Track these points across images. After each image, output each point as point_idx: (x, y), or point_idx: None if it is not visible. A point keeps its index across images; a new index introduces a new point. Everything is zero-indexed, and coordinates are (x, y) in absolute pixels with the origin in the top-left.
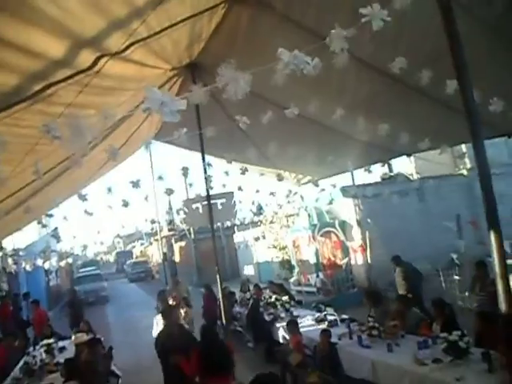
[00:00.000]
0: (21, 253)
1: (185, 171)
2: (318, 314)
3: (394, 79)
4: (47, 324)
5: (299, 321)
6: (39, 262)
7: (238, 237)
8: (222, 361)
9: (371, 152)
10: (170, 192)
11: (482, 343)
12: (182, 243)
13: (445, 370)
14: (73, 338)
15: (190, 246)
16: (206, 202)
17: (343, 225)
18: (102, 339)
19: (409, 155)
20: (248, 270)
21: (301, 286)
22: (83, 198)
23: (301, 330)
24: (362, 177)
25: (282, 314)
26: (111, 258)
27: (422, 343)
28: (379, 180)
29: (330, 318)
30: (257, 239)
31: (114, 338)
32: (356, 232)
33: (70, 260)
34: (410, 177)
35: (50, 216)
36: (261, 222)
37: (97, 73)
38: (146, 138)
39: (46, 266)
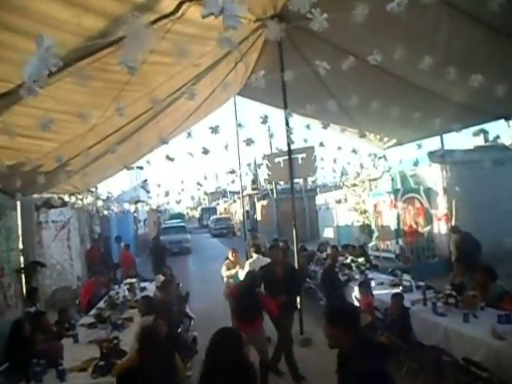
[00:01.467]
0: (113, 199)
1: (264, 119)
2: (393, 278)
3: (492, 29)
4: (133, 266)
5: (373, 284)
6: (129, 207)
7: (320, 199)
8: (249, 309)
9: (464, 114)
10: (249, 142)
11: None
12: (264, 202)
13: None
14: (155, 279)
15: (272, 205)
16: (287, 157)
17: (428, 191)
18: (181, 285)
19: (507, 119)
20: (327, 233)
21: (379, 252)
22: (165, 142)
23: (374, 292)
24: (451, 143)
25: (357, 276)
26: (196, 213)
27: (503, 317)
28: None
29: (405, 283)
30: (338, 202)
31: (193, 285)
32: (441, 200)
33: (158, 212)
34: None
35: (141, 168)
36: (343, 183)
37: (179, 18)
38: (230, 93)
39: (136, 214)
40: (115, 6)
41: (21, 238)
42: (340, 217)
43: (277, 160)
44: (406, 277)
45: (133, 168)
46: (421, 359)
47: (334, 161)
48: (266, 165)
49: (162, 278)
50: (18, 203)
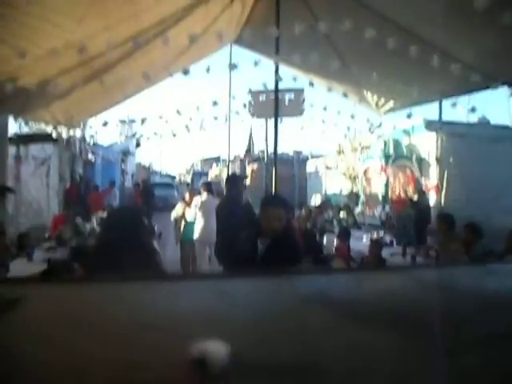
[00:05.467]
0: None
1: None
2: (374, 234)
3: None
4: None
5: (353, 239)
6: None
7: (311, 165)
8: None
9: (468, 77)
10: (232, 67)
11: None
12: (254, 166)
13: None
14: None
15: (262, 170)
16: (273, 96)
17: (421, 160)
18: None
19: (510, 85)
20: (315, 200)
21: (364, 218)
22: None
23: (351, 243)
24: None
25: (336, 230)
26: (189, 179)
27: None
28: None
29: (386, 240)
30: (329, 168)
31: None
32: (433, 170)
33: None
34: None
35: (132, 121)
36: (340, 149)
37: None
38: (225, 35)
39: (123, 166)
40: None
41: None
42: (329, 184)
43: (261, 97)
44: (388, 237)
45: (125, 121)
46: None
47: (335, 125)
48: (249, 101)
49: None
50: None
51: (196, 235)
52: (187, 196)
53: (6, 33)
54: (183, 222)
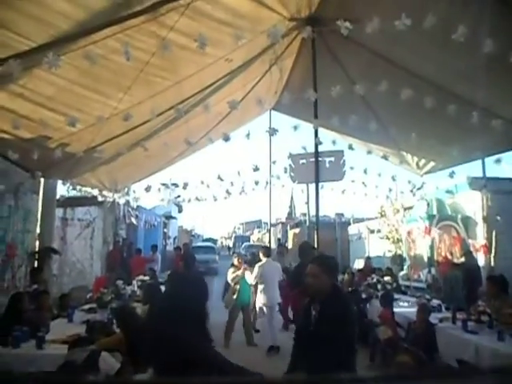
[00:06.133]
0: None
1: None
2: (420, 298)
3: None
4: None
5: (399, 303)
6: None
7: (353, 229)
8: None
9: (510, 133)
10: (272, 132)
11: None
12: (297, 230)
13: None
14: None
15: (304, 234)
16: (313, 159)
17: (466, 220)
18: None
19: None
20: (359, 264)
21: (409, 281)
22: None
23: (398, 309)
24: (491, 171)
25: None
26: (230, 243)
27: None
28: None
29: (433, 304)
30: (372, 232)
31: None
32: (480, 230)
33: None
34: None
35: (176, 185)
36: (382, 211)
37: None
38: (264, 101)
39: (166, 229)
40: None
41: (39, 223)
42: (372, 247)
43: (301, 161)
44: (435, 300)
45: (167, 185)
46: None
47: (376, 187)
48: (290, 165)
49: None
50: (41, 184)
51: (261, 300)
52: (236, 260)
53: (59, 102)
54: (237, 287)
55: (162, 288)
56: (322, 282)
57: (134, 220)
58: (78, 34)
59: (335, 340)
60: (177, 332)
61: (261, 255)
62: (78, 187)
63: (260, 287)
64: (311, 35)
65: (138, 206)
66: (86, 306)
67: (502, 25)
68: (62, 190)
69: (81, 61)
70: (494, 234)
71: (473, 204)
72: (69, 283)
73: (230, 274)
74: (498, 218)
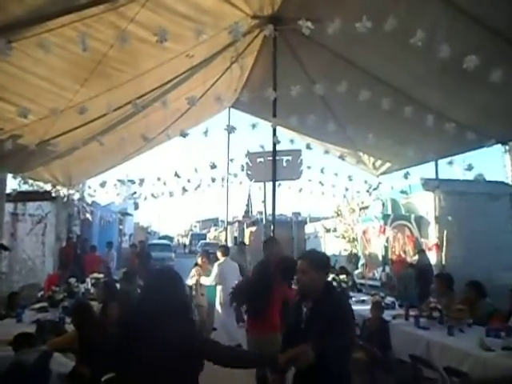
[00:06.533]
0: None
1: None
2: (375, 296)
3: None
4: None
5: (353, 300)
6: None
7: (309, 228)
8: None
9: (462, 136)
10: (231, 129)
11: None
12: (253, 228)
13: None
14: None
15: (261, 232)
16: (270, 158)
17: (419, 220)
18: None
19: (504, 143)
20: None
21: (364, 280)
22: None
23: (353, 306)
24: (444, 172)
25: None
26: (187, 241)
27: (491, 331)
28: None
29: (387, 301)
30: (328, 230)
31: None
32: (432, 229)
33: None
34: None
35: (132, 182)
36: (338, 211)
37: None
38: (223, 98)
39: (121, 226)
40: None
41: None
42: (328, 246)
43: (258, 160)
44: (389, 298)
45: (123, 182)
46: (399, 375)
47: (333, 186)
48: (247, 163)
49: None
50: None
51: (219, 299)
52: (199, 260)
53: (10, 91)
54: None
55: (117, 286)
56: (313, 278)
57: (88, 216)
58: (32, 21)
59: (331, 339)
60: (169, 325)
61: (219, 254)
62: (30, 181)
63: (219, 287)
64: (273, 34)
65: (93, 202)
66: (37, 305)
67: (456, 31)
68: (13, 183)
69: (35, 49)
70: (445, 233)
71: (426, 204)
72: (19, 281)
73: (190, 279)
74: (450, 218)
